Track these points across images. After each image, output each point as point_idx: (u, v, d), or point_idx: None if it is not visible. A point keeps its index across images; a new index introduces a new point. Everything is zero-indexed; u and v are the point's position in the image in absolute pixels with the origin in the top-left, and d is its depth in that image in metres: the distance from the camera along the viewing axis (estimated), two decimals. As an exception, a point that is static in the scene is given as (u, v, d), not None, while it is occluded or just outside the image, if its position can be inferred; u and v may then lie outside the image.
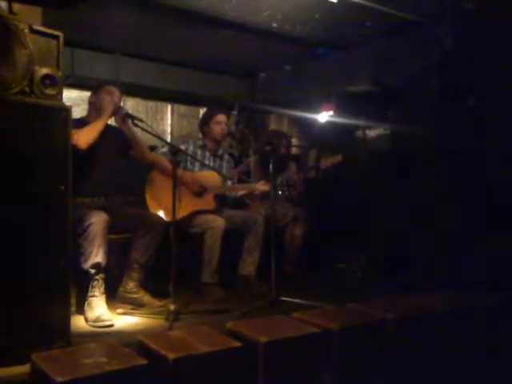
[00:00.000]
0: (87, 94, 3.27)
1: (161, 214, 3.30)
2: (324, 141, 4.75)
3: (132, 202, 3.44)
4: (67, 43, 2.24)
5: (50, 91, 2.13)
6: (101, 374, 1.62)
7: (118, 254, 3.11)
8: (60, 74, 2.16)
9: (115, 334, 2.51)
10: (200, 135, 3.88)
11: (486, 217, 3.36)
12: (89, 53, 4.37)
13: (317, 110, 4.81)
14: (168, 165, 3.32)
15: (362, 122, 4.46)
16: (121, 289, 3.01)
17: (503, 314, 2.75)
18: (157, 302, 2.96)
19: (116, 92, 3.12)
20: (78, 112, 3.49)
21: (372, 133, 4.49)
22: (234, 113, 5.14)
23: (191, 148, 3.72)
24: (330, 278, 4.10)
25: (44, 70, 2.11)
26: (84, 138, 2.82)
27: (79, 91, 4.35)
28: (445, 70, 3.74)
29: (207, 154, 3.77)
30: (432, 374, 2.41)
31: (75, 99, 4.28)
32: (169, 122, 5.08)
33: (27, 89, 2.07)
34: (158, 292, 3.02)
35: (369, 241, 4.09)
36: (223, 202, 3.79)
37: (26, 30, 2.07)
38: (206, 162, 3.69)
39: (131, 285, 2.99)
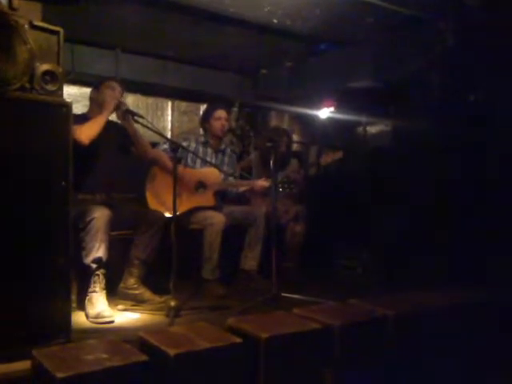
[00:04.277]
0: (87, 90, 3.27)
1: (161, 210, 3.30)
2: (325, 137, 4.74)
3: (133, 199, 3.44)
4: (67, 39, 2.23)
5: (51, 87, 2.12)
6: (102, 370, 1.62)
7: (119, 250, 3.10)
8: (60, 70, 2.15)
9: (116, 331, 2.51)
10: (201, 132, 3.88)
11: (486, 214, 3.35)
12: (89, 49, 4.36)
13: (318, 107, 4.80)
14: (168, 161, 3.32)
15: (363, 119, 4.46)
16: (121, 285, 3.01)
17: (502, 311, 2.76)
18: (157, 298, 2.96)
19: (117, 87, 3.12)
20: (79, 108, 3.48)
21: (373, 129, 4.48)
22: (235, 109, 5.13)
23: (193, 145, 3.71)
24: (331, 274, 4.11)
25: (44, 66, 2.10)
26: (86, 132, 2.82)
27: (79, 87, 4.33)
28: (446, 66, 3.73)
29: (209, 150, 3.76)
30: (431, 369, 2.42)
31: (75, 95, 4.27)
32: (169, 118, 5.07)
33: (28, 85, 2.07)
34: (158, 288, 3.02)
35: (369, 237, 4.09)
36: (224, 197, 3.79)
37: (27, 26, 2.06)
38: (208, 159, 3.69)
39: (132, 281, 2.99)
